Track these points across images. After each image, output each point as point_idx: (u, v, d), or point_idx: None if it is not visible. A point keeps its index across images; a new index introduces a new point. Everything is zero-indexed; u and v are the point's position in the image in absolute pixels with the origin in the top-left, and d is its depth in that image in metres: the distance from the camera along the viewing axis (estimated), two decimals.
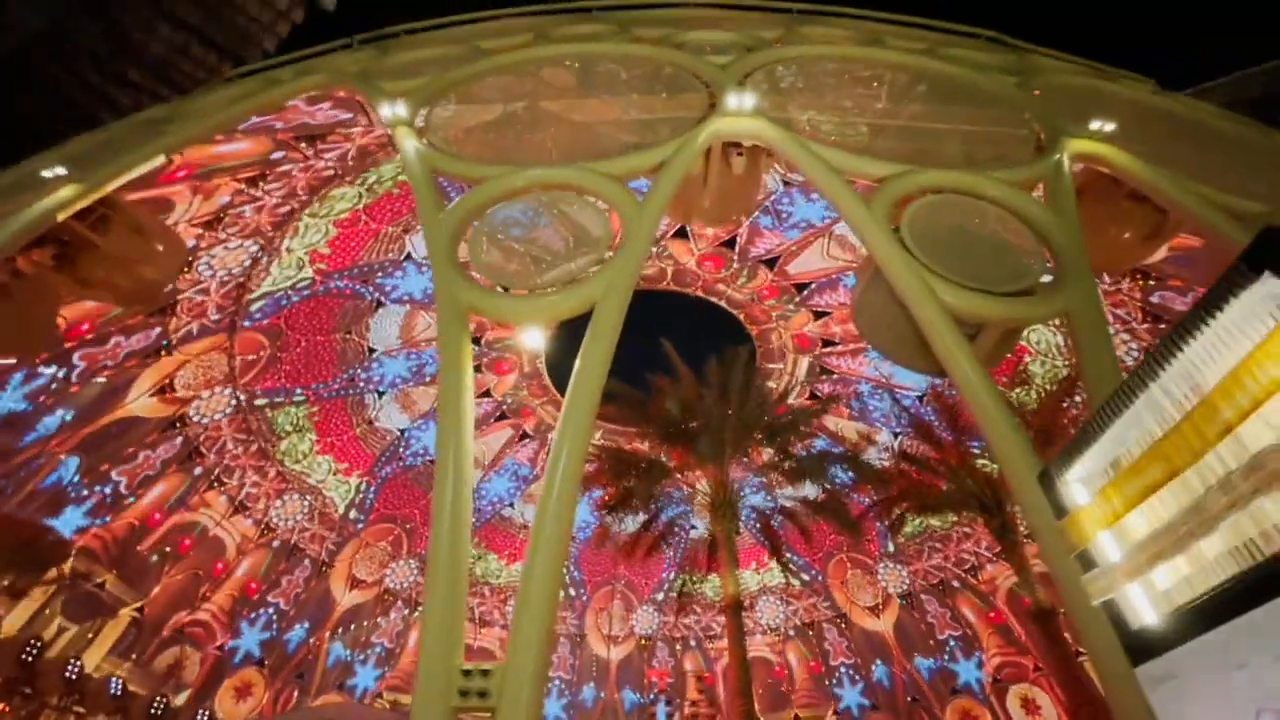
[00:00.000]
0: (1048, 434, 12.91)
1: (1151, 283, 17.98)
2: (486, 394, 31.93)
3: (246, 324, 22.71)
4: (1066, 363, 16.24)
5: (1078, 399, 14.14)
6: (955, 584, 31.25)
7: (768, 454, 18.80)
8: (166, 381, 22.12)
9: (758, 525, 35.07)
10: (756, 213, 24.83)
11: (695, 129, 9.82)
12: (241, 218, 18.77)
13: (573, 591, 36.05)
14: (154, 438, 23.13)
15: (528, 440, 33.97)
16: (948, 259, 4.24)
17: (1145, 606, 5.13)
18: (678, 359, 18.97)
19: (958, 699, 30.48)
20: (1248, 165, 6.03)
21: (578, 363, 4.83)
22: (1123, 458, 5.32)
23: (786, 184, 23.30)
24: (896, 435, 20.74)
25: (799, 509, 18.99)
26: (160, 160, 8.69)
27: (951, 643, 31.58)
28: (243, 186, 17.70)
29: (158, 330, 20.33)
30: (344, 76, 13.89)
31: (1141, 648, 5.00)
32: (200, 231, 18.25)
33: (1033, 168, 4.82)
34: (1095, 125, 4.99)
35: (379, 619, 32.57)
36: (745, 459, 17.50)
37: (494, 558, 35.30)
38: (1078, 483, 5.80)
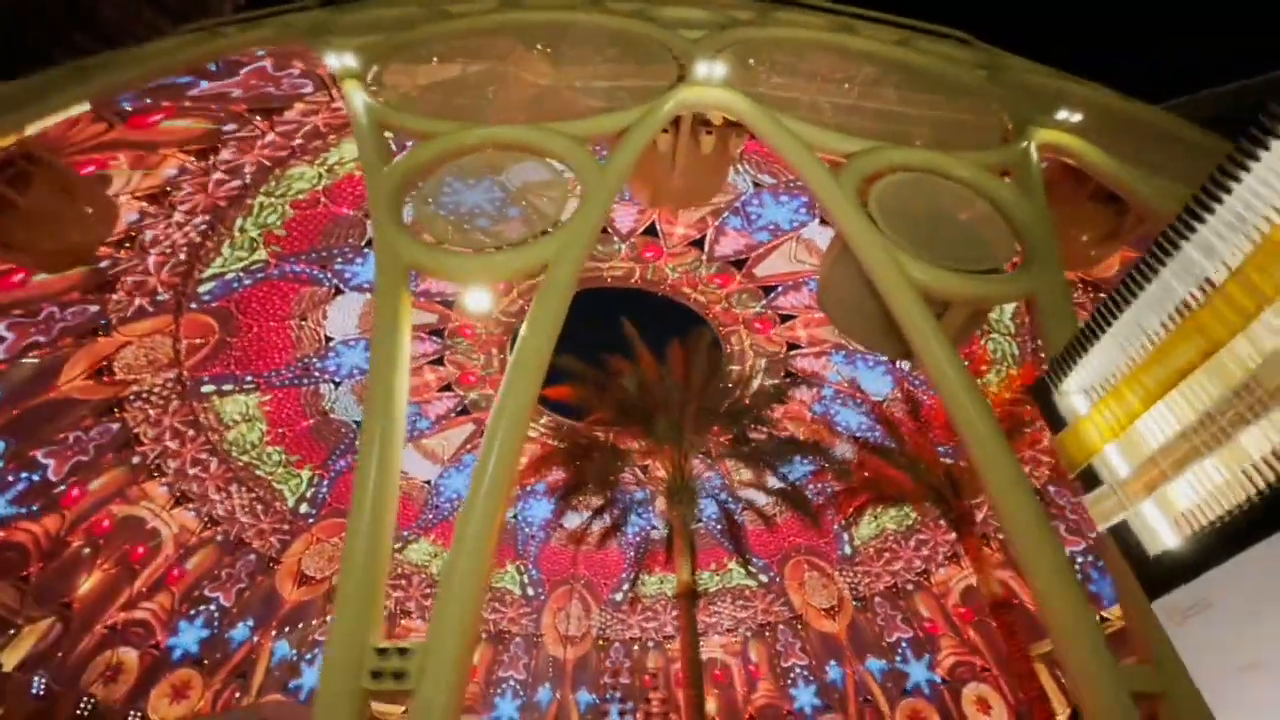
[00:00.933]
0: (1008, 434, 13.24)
1: (1102, 294, 18.61)
2: (448, 388, 31.29)
3: (194, 306, 21.69)
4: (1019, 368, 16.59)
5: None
6: (909, 587, 31.86)
7: (728, 440, 18.33)
8: (104, 363, 20.95)
9: (717, 524, 35.22)
10: (726, 214, 24.93)
11: (663, 97, 9.41)
12: (189, 193, 17.87)
13: (530, 591, 35.56)
14: (89, 422, 21.90)
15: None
16: (914, 237, 4.14)
17: (1164, 528, 4.44)
18: (638, 340, 18.25)
19: (908, 700, 31.05)
20: (1209, 166, 6.10)
21: (523, 329, 4.52)
22: (1130, 358, 4.66)
23: (757, 185, 23.45)
24: (856, 438, 20.93)
25: (759, 496, 18.66)
26: (85, 107, 8.04)
27: (903, 645, 32.18)
28: (191, 159, 16.85)
29: (95, 309, 19.22)
30: (295, 32, 13.14)
31: (1162, 576, 4.25)
32: (144, 205, 17.32)
33: (1001, 152, 4.79)
34: (1062, 115, 4.99)
35: (328, 618, 31.52)
36: (705, 445, 17.05)
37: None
38: (1078, 393, 5.08)
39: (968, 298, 3.95)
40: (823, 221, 24.48)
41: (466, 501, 4.22)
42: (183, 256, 19.58)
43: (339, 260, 24.41)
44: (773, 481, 17.89)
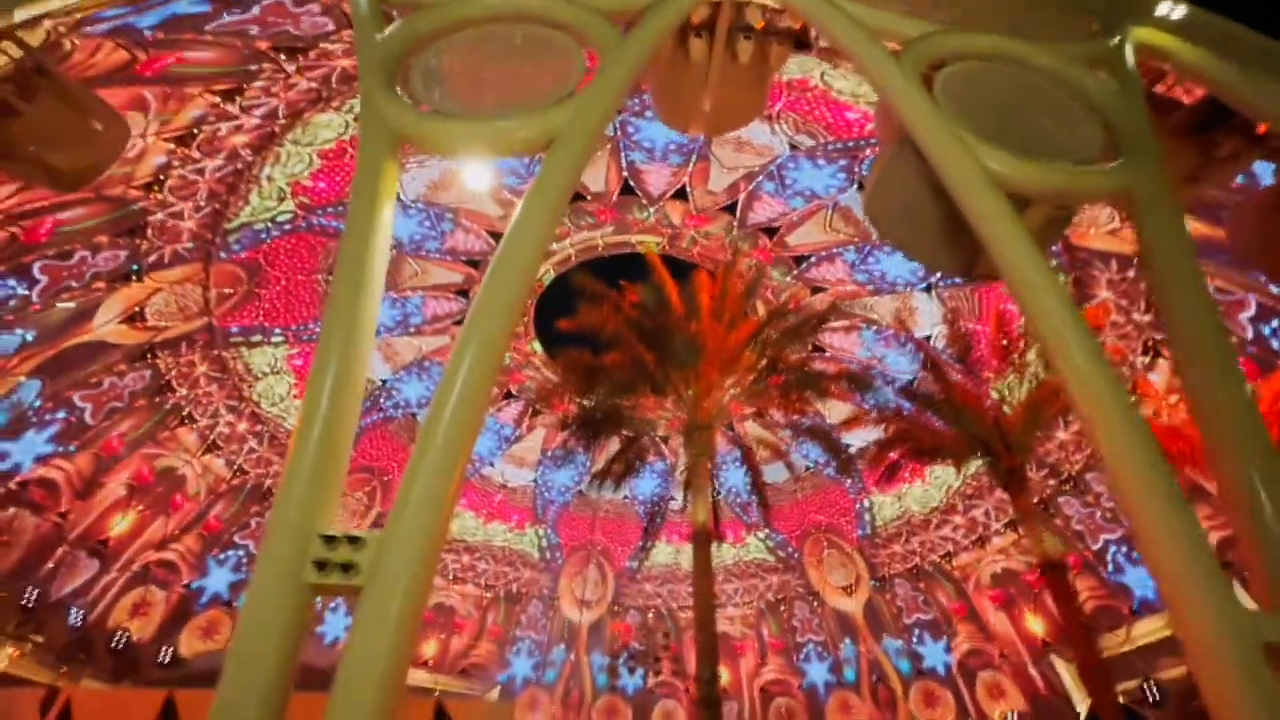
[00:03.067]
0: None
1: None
2: None
3: (223, 255, 21.79)
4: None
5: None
6: (929, 569, 31.36)
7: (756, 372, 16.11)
8: (137, 309, 21.25)
9: (736, 497, 34.98)
10: (760, 177, 24.07)
11: None
12: (217, 136, 17.74)
13: (549, 555, 35.94)
14: (122, 367, 22.34)
15: (511, 400, 33.42)
16: (986, 129, 3.57)
17: None
18: (660, 265, 16.51)
19: (922, 680, 30.80)
20: None
21: (519, 209, 3.93)
22: None
23: (793, 148, 22.53)
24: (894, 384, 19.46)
25: (787, 436, 16.78)
26: None
27: (920, 626, 31.84)
28: (217, 100, 16.67)
29: (126, 253, 19.40)
30: None
31: None
32: (171, 147, 17.26)
33: (1089, 46, 4.15)
34: (1162, 11, 4.28)
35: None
36: (730, 377, 15.38)
37: (470, 515, 35.01)
38: None
39: (1053, 191, 3.34)
40: (861, 187, 23.50)
41: (447, 371, 3.57)
42: (211, 204, 19.58)
43: None
44: (803, 421, 16.20)
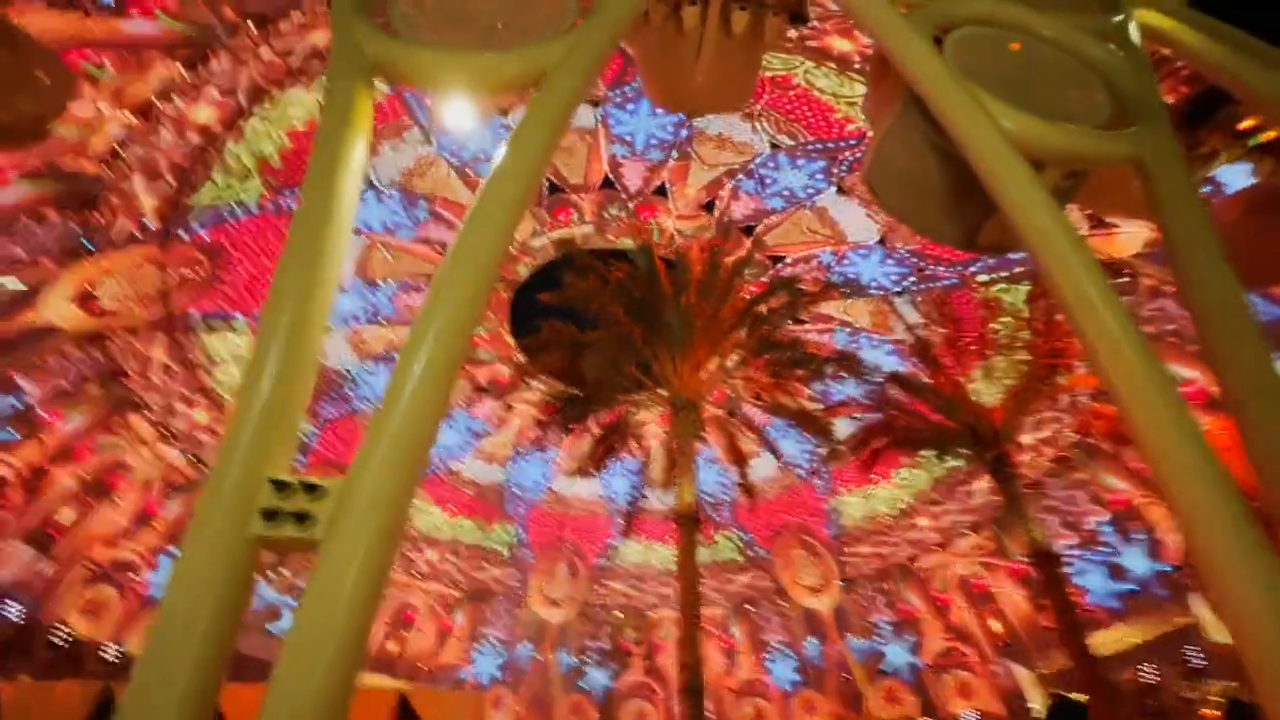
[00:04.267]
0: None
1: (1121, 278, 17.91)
2: None
3: (183, 236, 20.90)
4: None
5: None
6: (896, 570, 31.83)
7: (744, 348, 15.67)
8: (89, 289, 20.23)
9: (709, 499, 34.98)
10: (740, 175, 24.06)
11: None
12: (179, 108, 16.96)
13: (518, 552, 35.49)
14: (71, 350, 21.28)
15: (484, 395, 32.88)
16: (998, 90, 3.48)
17: None
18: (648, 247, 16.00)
19: (885, 680, 31.23)
20: None
21: (506, 150, 3.59)
22: None
23: (774, 146, 22.58)
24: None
25: (769, 415, 16.32)
26: None
27: (884, 626, 32.29)
28: (179, 69, 15.91)
29: (76, 228, 18.44)
30: None
31: None
32: (129, 118, 16.43)
33: (1096, 18, 4.10)
34: None
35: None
36: (718, 353, 14.96)
37: (438, 511, 34.36)
38: None
39: (1068, 154, 3.26)
40: (840, 190, 23.67)
41: (429, 296, 3.09)
42: (171, 179, 18.72)
43: None
44: (789, 401, 15.82)
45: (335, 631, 2.52)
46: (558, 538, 35.68)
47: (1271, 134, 5.21)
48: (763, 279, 27.62)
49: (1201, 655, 22.34)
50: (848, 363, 15.06)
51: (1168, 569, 23.77)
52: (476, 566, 34.92)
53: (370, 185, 23.59)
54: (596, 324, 15.28)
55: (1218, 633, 22.49)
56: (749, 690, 33.57)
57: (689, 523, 12.13)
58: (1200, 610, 23.14)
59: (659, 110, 22.28)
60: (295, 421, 3.14)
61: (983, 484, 29.26)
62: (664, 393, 13.89)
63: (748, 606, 35.17)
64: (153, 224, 19.75)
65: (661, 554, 36.32)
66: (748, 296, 16.94)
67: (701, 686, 10.19)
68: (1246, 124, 5.22)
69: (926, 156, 3.68)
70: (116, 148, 16.95)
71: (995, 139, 2.95)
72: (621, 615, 35.59)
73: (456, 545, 34.54)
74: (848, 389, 16.32)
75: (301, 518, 2.72)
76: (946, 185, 3.64)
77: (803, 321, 27.79)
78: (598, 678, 34.05)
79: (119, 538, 25.23)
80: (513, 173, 3.48)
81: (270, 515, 2.70)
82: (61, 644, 24.02)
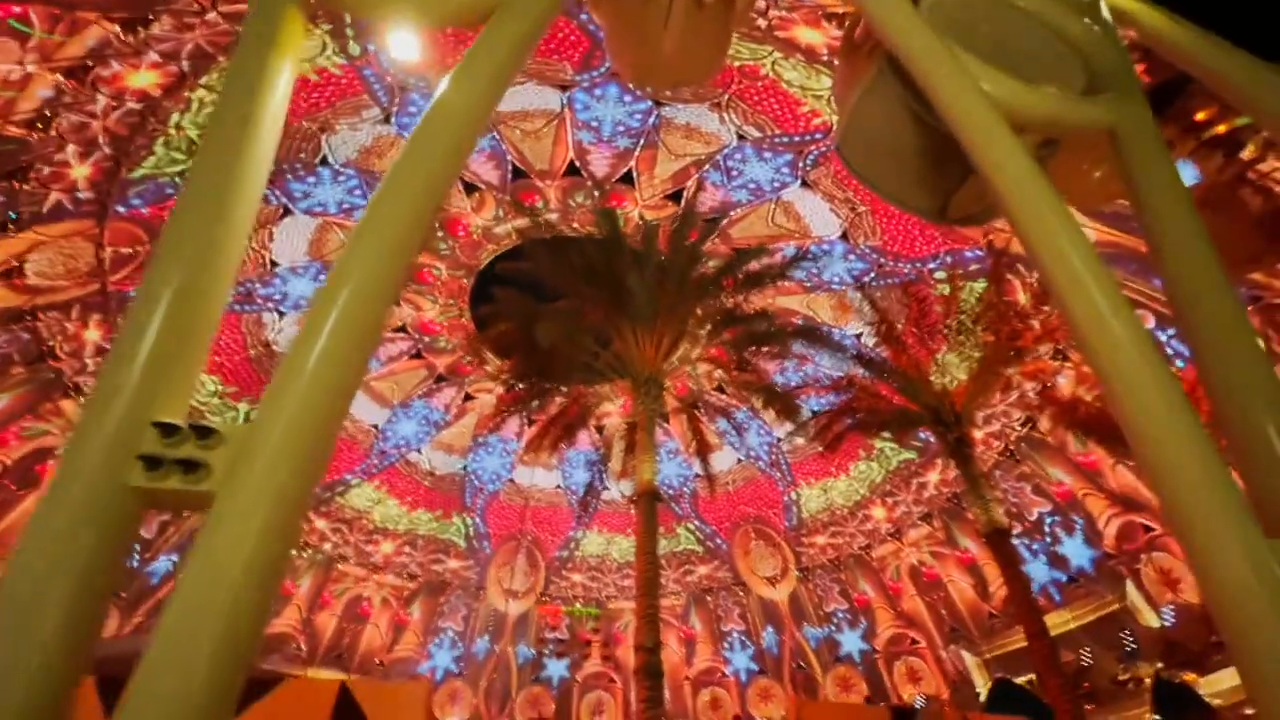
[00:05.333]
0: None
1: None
2: (402, 329, 29.92)
3: (121, 210, 19.70)
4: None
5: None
6: (850, 560, 32.56)
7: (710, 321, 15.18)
8: (15, 264, 18.91)
9: (669, 489, 35.10)
10: (707, 166, 24.05)
11: None
12: (115, 72, 15.88)
13: (476, 544, 34.97)
14: None
15: (443, 384, 32.22)
16: (977, 52, 3.44)
17: None
18: (610, 216, 15.15)
19: (839, 667, 32.00)
20: None
21: (443, 86, 3.28)
22: None
23: (741, 138, 22.62)
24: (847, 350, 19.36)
25: (740, 383, 15.64)
26: None
27: (839, 615, 33.06)
28: (116, 30, 14.87)
29: (2, 199, 17.16)
30: None
31: None
32: (60, 79, 15.30)
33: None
34: None
35: None
36: (683, 326, 14.37)
37: (394, 503, 33.57)
38: None
39: (1046, 118, 3.23)
40: (805, 184, 23.88)
41: (359, 226, 2.71)
42: (108, 149, 17.56)
43: (288, 177, 22.60)
44: (749, 374, 15.28)
45: (225, 606, 2.03)
46: (517, 529, 35.32)
47: (1222, 128, 5.37)
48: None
49: (1132, 639, 23.56)
50: (812, 336, 14.82)
51: (1103, 555, 24.99)
52: (434, 559, 34.27)
53: (325, 164, 22.71)
54: (556, 299, 14.59)
55: (1149, 618, 23.78)
56: (707, 679, 33.94)
57: (649, 501, 11.87)
58: (1133, 596, 24.43)
59: (627, 97, 22.10)
60: (192, 366, 2.61)
61: (934, 476, 30.29)
62: (623, 372, 13.42)
63: (707, 597, 35.51)
64: (87, 196, 18.54)
65: (622, 546, 36.33)
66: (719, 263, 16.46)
67: (660, 669, 10.02)
68: (1201, 116, 5.36)
69: (901, 122, 3.64)
70: (46, 112, 15.80)
71: (976, 99, 2.90)
72: (581, 607, 35.47)
73: (413, 537, 33.82)
74: (811, 374, 16.35)
75: (191, 466, 2.22)
76: (920, 152, 3.62)
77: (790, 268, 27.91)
78: (556, 669, 33.87)
79: None
80: (455, 107, 3.19)
81: (153, 463, 2.19)
82: None
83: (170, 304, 2.47)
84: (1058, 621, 24.11)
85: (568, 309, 13.39)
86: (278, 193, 22.93)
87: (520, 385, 14.60)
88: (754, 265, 14.52)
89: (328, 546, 31.81)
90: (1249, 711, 19.46)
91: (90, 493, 2.16)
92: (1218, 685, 20.22)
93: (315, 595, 31.62)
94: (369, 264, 2.69)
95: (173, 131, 18.26)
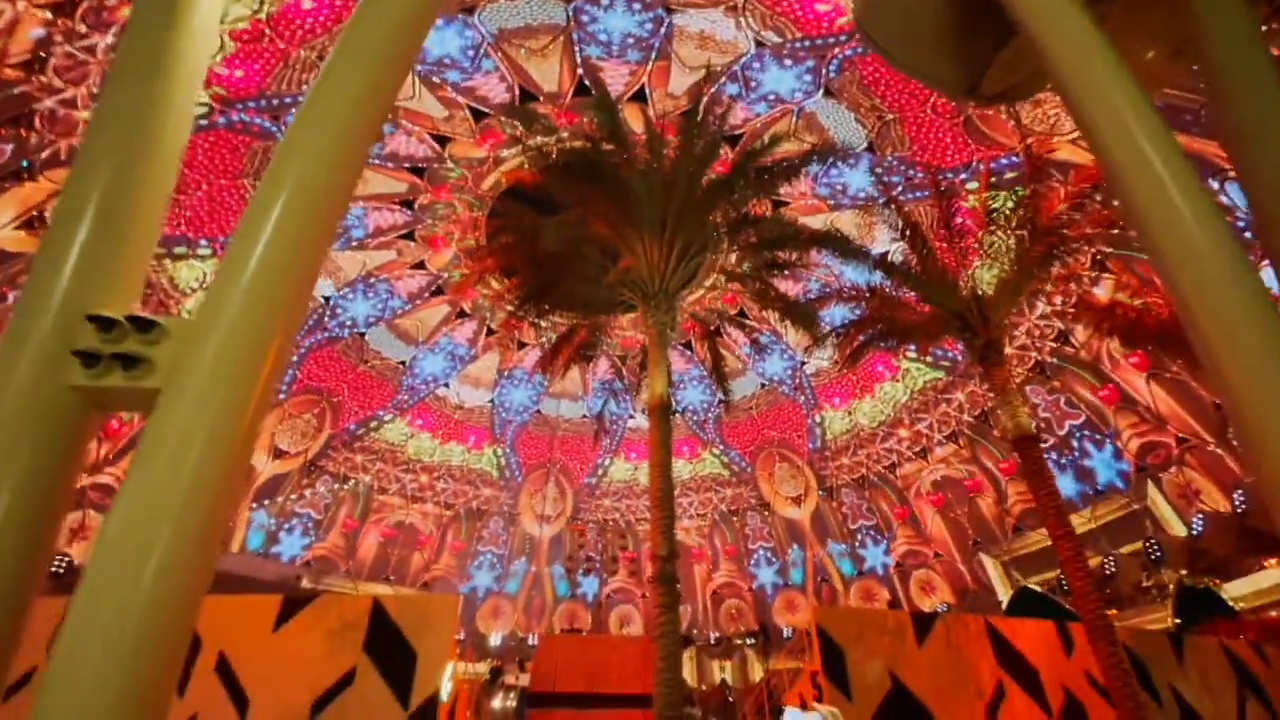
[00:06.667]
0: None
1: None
2: (421, 265, 29.85)
3: None
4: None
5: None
6: (874, 479, 32.95)
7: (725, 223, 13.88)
8: (36, 212, 19.05)
9: (694, 415, 35.51)
10: (723, 79, 22.74)
11: None
12: (105, 5, 15.31)
13: (508, 473, 36.19)
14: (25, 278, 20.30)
15: (465, 319, 32.40)
16: None
17: None
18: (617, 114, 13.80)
19: (862, 579, 33.10)
20: None
21: None
22: None
23: (759, 45, 21.19)
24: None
25: (757, 295, 14.65)
26: None
27: (863, 531, 33.85)
28: None
29: (11, 146, 17.07)
30: None
31: None
32: (49, 16, 14.82)
33: None
34: None
35: (305, 490, 31.82)
36: (696, 234, 13.31)
37: (427, 436, 34.65)
38: None
39: None
40: (828, 92, 22.51)
41: (309, 96, 2.30)
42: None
43: (293, 111, 22.00)
44: (765, 284, 14.48)
45: (174, 513, 1.83)
46: (546, 458, 36.39)
47: None
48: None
49: (1158, 547, 23.73)
50: (831, 241, 13.83)
51: (1129, 469, 24.89)
52: (469, 488, 35.65)
53: None
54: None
55: (1177, 527, 23.84)
56: (732, 593, 35.53)
57: (662, 413, 11.74)
58: (1161, 507, 24.43)
59: (635, 4, 20.70)
60: (134, 259, 2.31)
61: (960, 395, 30.01)
62: (631, 286, 12.81)
63: (733, 517, 36.57)
64: None
65: (649, 472, 37.28)
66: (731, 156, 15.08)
67: (675, 576, 10.22)
68: None
69: None
70: (39, 52, 15.39)
71: None
72: (609, 528, 36.88)
73: (448, 468, 35.08)
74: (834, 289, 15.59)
75: (132, 361, 2.02)
76: (949, 21, 3.22)
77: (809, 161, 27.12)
78: (589, 585, 35.71)
79: (102, 465, 25.17)
80: None
81: (90, 360, 2.00)
82: (58, 571, 24.42)
83: (105, 188, 2.18)
84: (1078, 521, 24.45)
85: (572, 219, 12.64)
86: (283, 128, 22.42)
87: (522, 299, 13.93)
88: (765, 160, 13.33)
89: (366, 478, 33.19)
90: (1272, 614, 19.71)
91: (26, 394, 1.98)
92: (1240, 590, 20.43)
93: (359, 522, 33.30)
94: (320, 139, 2.32)
95: None
